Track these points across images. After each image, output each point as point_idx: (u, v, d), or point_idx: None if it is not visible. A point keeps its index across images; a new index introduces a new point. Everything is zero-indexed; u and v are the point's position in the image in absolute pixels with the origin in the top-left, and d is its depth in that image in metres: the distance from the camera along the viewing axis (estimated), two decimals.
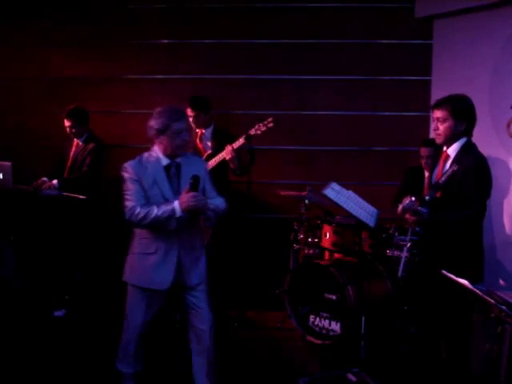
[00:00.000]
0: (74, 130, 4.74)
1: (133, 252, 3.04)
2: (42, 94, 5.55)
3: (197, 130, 4.72)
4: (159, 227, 2.89)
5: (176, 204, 2.83)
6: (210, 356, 3.08)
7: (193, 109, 4.60)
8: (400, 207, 2.94)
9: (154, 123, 2.91)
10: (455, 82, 4.71)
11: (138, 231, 3.01)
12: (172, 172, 2.97)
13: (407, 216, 2.95)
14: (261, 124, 4.34)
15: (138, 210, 2.86)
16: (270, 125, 4.31)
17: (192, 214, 2.86)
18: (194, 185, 2.81)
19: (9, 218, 4.57)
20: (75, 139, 4.82)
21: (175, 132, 2.89)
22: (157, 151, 2.98)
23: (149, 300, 3.02)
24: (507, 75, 4.46)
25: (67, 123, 4.73)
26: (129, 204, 2.91)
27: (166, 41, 5.48)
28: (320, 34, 5.29)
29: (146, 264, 2.97)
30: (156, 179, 2.92)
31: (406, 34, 5.18)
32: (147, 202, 2.90)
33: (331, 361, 3.83)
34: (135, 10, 5.46)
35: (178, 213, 2.82)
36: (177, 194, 2.91)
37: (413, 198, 2.89)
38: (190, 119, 4.62)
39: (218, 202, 3.06)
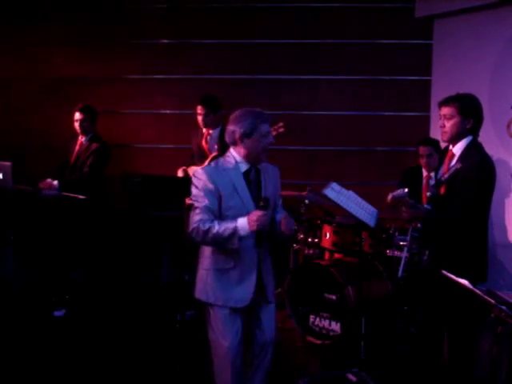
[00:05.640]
0: (82, 125, 4.73)
1: (207, 268, 2.75)
2: (42, 94, 5.56)
3: (203, 131, 4.73)
4: (220, 246, 2.65)
5: (240, 222, 2.57)
6: (267, 370, 2.85)
7: (203, 106, 4.61)
8: (390, 196, 2.93)
9: (238, 127, 2.67)
10: (455, 82, 4.71)
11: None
12: (251, 178, 2.74)
13: (404, 209, 2.95)
14: (271, 128, 4.35)
15: (205, 225, 2.59)
16: (281, 130, 4.31)
17: (258, 234, 2.62)
18: (265, 205, 2.59)
19: (9, 218, 4.57)
20: (79, 138, 4.81)
21: (263, 134, 2.69)
22: (235, 156, 2.72)
23: (231, 318, 2.73)
24: (507, 75, 4.46)
25: (78, 116, 4.72)
26: (196, 218, 2.63)
27: (166, 41, 5.48)
28: (320, 34, 5.30)
29: (224, 280, 2.72)
30: (236, 186, 2.68)
31: (406, 33, 5.18)
32: (223, 212, 2.67)
33: (331, 361, 3.83)
34: (135, 9, 5.47)
35: (243, 232, 2.56)
36: (256, 201, 2.67)
37: (405, 190, 2.88)
38: (200, 117, 4.63)
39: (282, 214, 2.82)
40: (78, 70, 5.51)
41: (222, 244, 2.62)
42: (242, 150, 2.70)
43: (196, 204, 2.66)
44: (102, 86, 5.51)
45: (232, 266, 2.71)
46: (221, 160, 2.77)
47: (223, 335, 2.70)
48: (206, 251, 2.77)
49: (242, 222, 2.57)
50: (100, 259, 4.88)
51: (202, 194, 2.65)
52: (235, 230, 2.56)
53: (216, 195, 2.65)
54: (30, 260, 4.70)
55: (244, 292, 2.71)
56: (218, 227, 2.58)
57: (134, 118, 5.55)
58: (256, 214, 2.55)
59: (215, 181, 2.65)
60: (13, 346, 3.85)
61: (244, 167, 2.73)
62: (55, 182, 4.57)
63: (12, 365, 3.59)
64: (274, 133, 4.35)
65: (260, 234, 2.64)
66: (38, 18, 5.53)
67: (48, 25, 5.52)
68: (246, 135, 2.67)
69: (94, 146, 4.73)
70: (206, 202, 2.63)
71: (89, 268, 4.76)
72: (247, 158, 2.72)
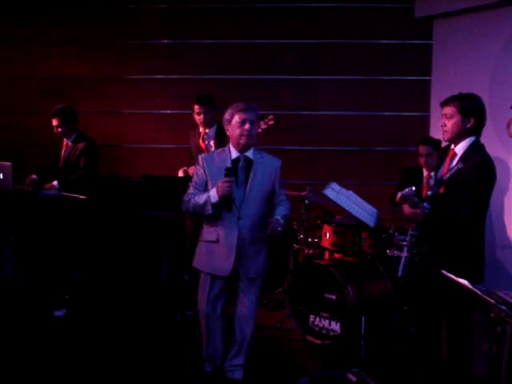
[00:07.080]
0: (59, 130, 4.68)
1: (200, 239, 3.29)
2: (42, 94, 5.56)
3: (200, 130, 4.74)
4: (199, 213, 3.16)
5: (212, 191, 3.07)
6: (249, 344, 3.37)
7: (201, 105, 4.59)
8: (399, 195, 2.95)
9: (225, 114, 3.19)
10: (455, 82, 4.71)
11: (204, 219, 3.25)
12: (240, 165, 3.17)
13: (405, 207, 2.95)
14: (261, 122, 4.35)
15: (188, 196, 3.17)
16: (271, 122, 4.30)
17: (225, 200, 3.05)
18: (228, 173, 3.02)
19: (9, 218, 4.57)
20: (64, 140, 4.80)
21: (237, 121, 3.11)
22: (230, 144, 3.21)
23: (212, 284, 3.26)
24: (507, 75, 4.46)
25: (54, 122, 4.69)
26: (187, 191, 3.22)
27: (165, 41, 5.48)
28: (320, 34, 5.30)
29: (209, 251, 3.22)
30: (222, 170, 3.08)
31: (406, 33, 5.19)
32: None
33: (331, 361, 3.83)
34: (135, 9, 5.47)
35: (214, 199, 3.05)
36: (242, 187, 3.14)
37: (413, 188, 2.90)
38: (200, 116, 4.61)
39: (284, 207, 3.31)
40: (78, 70, 5.52)
41: (200, 211, 3.14)
42: (230, 136, 3.21)
43: (192, 182, 3.25)
44: (102, 86, 5.52)
45: (215, 239, 3.19)
46: (221, 149, 3.29)
47: (204, 292, 3.27)
48: (204, 225, 3.27)
49: (213, 191, 3.07)
50: (100, 259, 4.88)
51: (195, 175, 3.23)
52: (208, 198, 3.08)
53: (203, 176, 3.19)
54: (30, 260, 4.70)
55: (224, 264, 3.19)
56: (196, 197, 3.14)
57: (133, 117, 5.55)
58: (220, 181, 3.03)
59: (205, 165, 3.18)
60: (13, 345, 3.85)
61: (234, 154, 3.20)
62: (55, 183, 4.57)
63: (12, 365, 3.59)
64: (265, 126, 4.36)
65: (228, 200, 3.06)
66: (38, 18, 5.53)
67: (48, 25, 5.52)
68: (227, 122, 3.18)
69: (81, 145, 4.68)
70: (194, 180, 3.23)
71: (89, 268, 4.76)
72: (233, 143, 3.20)
